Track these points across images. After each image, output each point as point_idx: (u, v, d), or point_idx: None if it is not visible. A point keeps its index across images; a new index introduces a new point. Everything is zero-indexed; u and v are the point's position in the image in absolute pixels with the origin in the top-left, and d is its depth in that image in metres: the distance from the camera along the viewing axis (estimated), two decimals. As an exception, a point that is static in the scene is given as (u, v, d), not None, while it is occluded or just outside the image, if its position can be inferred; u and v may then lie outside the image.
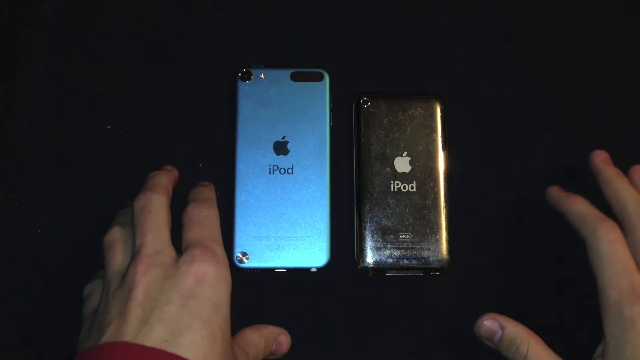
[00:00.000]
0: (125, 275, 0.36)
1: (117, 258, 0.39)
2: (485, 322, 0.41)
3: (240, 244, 0.45)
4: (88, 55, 0.50)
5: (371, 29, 0.51)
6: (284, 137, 0.47)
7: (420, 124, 0.47)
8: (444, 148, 0.47)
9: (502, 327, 0.40)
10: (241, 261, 0.45)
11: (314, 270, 0.45)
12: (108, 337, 0.34)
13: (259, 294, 0.46)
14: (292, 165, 0.46)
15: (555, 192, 0.45)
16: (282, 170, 0.46)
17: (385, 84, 0.50)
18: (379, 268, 0.45)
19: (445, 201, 0.46)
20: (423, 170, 0.46)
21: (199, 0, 0.51)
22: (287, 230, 0.45)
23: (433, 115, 0.47)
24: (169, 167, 0.45)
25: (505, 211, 0.47)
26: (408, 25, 0.51)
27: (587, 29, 0.51)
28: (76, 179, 0.48)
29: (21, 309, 0.45)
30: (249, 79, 0.48)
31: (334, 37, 0.51)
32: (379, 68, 0.50)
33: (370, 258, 0.45)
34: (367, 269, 0.45)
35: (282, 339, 0.42)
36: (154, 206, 0.39)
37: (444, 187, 0.46)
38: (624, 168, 0.49)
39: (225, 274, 0.37)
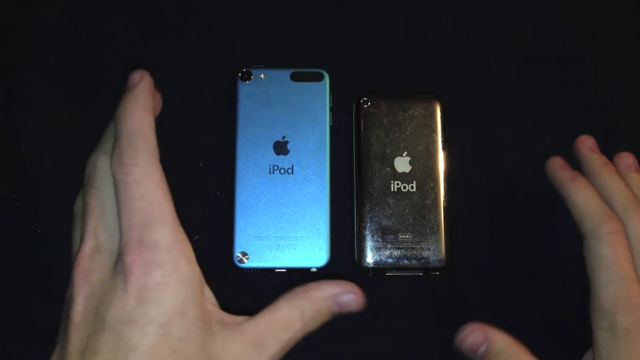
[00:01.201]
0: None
1: (75, 240, 0.33)
2: (469, 334, 0.36)
3: (240, 244, 0.45)
4: (88, 55, 0.50)
5: (371, 29, 0.51)
6: (284, 137, 0.47)
7: (420, 124, 0.47)
8: (444, 148, 0.47)
9: (489, 340, 0.36)
10: (241, 261, 0.45)
11: (314, 270, 0.45)
12: None
13: (259, 294, 0.45)
14: (292, 165, 0.46)
15: (558, 168, 0.41)
16: (282, 170, 0.46)
17: (385, 84, 0.50)
18: (379, 268, 0.45)
19: (445, 201, 0.46)
20: (423, 170, 0.47)
21: (199, 1, 0.51)
22: (287, 230, 0.45)
23: (433, 115, 0.47)
24: (136, 77, 0.34)
25: (505, 211, 0.47)
26: (408, 25, 0.51)
27: (587, 29, 0.51)
28: (76, 179, 0.48)
29: (21, 309, 0.45)
30: (249, 79, 0.48)
31: (334, 37, 0.51)
32: (379, 68, 0.50)
33: (370, 258, 0.45)
34: (367, 269, 0.45)
35: (348, 299, 0.33)
36: (97, 178, 0.32)
37: (444, 187, 0.46)
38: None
39: (177, 273, 0.29)
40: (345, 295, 0.33)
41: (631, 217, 0.38)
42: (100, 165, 0.32)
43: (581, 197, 0.39)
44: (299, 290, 0.33)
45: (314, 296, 0.33)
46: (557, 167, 0.41)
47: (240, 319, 0.32)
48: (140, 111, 0.32)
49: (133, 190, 0.30)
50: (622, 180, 0.40)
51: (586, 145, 0.42)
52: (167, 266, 0.29)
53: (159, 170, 0.31)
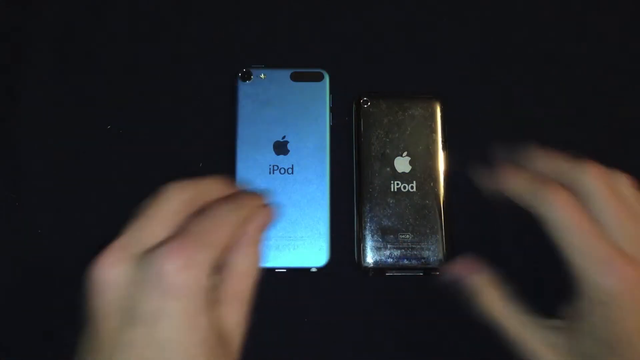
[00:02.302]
0: None
1: None
2: (453, 268, 0.41)
3: (240, 244, 0.45)
4: (88, 55, 0.50)
5: (371, 29, 0.51)
6: (284, 137, 0.47)
7: (420, 124, 0.47)
8: (444, 148, 0.47)
9: (469, 276, 0.40)
10: (241, 261, 0.45)
11: (314, 270, 0.45)
12: None
13: (259, 294, 0.45)
14: (292, 165, 0.46)
15: (484, 179, 0.41)
16: (282, 170, 0.46)
17: (385, 84, 0.50)
18: (379, 268, 0.45)
19: (445, 201, 0.46)
20: (423, 170, 0.47)
21: (199, 1, 0.51)
22: (287, 230, 0.45)
23: (433, 115, 0.47)
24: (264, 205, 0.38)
25: (504, 211, 0.47)
26: (408, 25, 0.51)
27: (587, 29, 0.51)
28: (76, 179, 0.48)
29: (21, 309, 0.45)
30: (249, 79, 0.48)
31: (334, 37, 0.51)
32: (379, 68, 0.50)
33: (370, 258, 0.45)
34: (367, 269, 0.45)
35: (264, 221, 0.37)
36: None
37: (444, 187, 0.46)
38: (625, 167, 0.49)
39: (205, 272, 0.32)
40: (260, 218, 0.37)
41: (580, 173, 0.36)
42: (171, 189, 0.35)
43: (514, 182, 0.39)
44: (240, 240, 0.35)
45: (251, 233, 0.36)
46: (484, 180, 0.42)
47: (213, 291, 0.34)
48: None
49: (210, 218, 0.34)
50: (533, 177, 0.39)
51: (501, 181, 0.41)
52: (201, 266, 0.31)
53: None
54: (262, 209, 0.37)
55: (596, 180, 0.36)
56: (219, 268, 0.35)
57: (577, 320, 0.35)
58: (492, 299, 0.39)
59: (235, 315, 0.34)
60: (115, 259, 0.32)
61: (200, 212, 0.34)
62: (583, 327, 0.35)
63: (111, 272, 0.32)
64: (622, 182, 0.38)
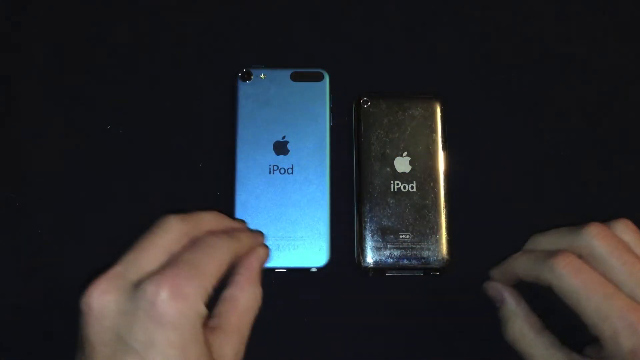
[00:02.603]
0: None
1: None
2: (491, 287, 0.42)
3: (240, 244, 0.45)
4: (88, 55, 0.50)
5: (371, 29, 0.51)
6: (284, 137, 0.47)
7: (420, 124, 0.47)
8: (444, 148, 0.47)
9: (502, 301, 0.41)
10: (241, 261, 0.45)
11: (314, 270, 0.45)
12: None
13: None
14: (292, 165, 0.46)
15: (493, 277, 0.43)
16: (282, 170, 0.46)
17: (385, 84, 0.50)
18: (379, 268, 0.45)
19: (445, 201, 0.46)
20: (423, 170, 0.46)
21: (199, 1, 0.51)
22: (287, 230, 0.45)
23: (433, 115, 0.47)
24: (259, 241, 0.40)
25: (504, 211, 0.47)
26: (408, 25, 0.51)
27: (587, 29, 0.51)
28: (76, 179, 0.48)
29: (21, 309, 0.45)
30: (249, 79, 0.48)
31: (334, 37, 0.51)
32: (379, 68, 0.50)
33: (370, 258, 0.45)
34: (367, 269, 0.45)
35: (263, 255, 0.39)
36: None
37: (444, 187, 0.46)
38: (624, 167, 0.49)
39: (196, 305, 0.32)
40: (261, 252, 0.39)
41: (583, 239, 0.37)
42: (168, 221, 0.35)
43: (520, 260, 0.40)
44: (238, 275, 0.37)
45: (252, 265, 0.38)
46: (492, 281, 0.43)
47: (212, 321, 0.35)
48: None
49: (220, 244, 0.35)
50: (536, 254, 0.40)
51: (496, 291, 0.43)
52: (194, 296, 0.32)
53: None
54: (260, 246, 0.39)
55: (600, 240, 0.36)
56: (219, 300, 0.36)
57: None
58: (522, 329, 0.39)
59: (233, 347, 0.35)
60: (108, 287, 0.32)
61: (195, 242, 0.35)
62: None
63: (104, 299, 0.32)
64: (623, 230, 0.38)
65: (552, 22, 0.51)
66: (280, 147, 0.47)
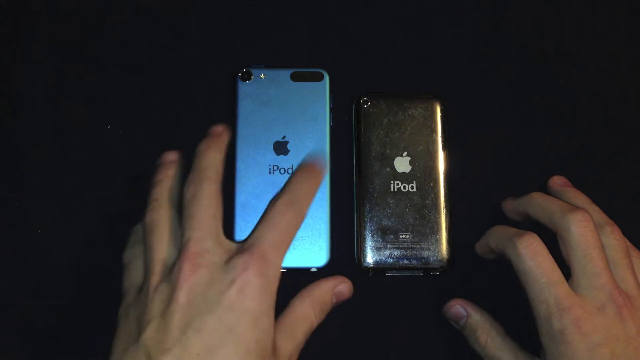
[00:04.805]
0: (172, 270, 0.35)
1: (159, 244, 0.37)
2: (452, 306, 0.44)
3: (240, 244, 0.45)
4: (88, 55, 0.50)
5: (371, 29, 0.51)
6: (284, 137, 0.47)
7: (420, 124, 0.47)
8: (444, 148, 0.47)
9: (467, 315, 0.43)
10: (241, 261, 0.45)
11: (314, 270, 0.45)
12: (147, 338, 0.34)
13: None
14: (292, 165, 0.46)
15: (477, 251, 0.45)
16: (282, 170, 0.46)
17: (385, 84, 0.50)
18: (379, 268, 0.45)
19: (445, 201, 0.46)
20: (423, 170, 0.47)
21: (200, 1, 0.51)
22: (287, 230, 0.45)
23: (433, 115, 0.47)
24: (218, 130, 0.41)
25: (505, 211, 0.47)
26: (408, 25, 0.51)
27: (586, 28, 0.51)
28: (76, 179, 0.48)
29: (21, 309, 0.45)
30: (249, 79, 0.48)
31: (334, 37, 0.51)
32: (379, 68, 0.50)
33: (370, 258, 0.45)
34: (367, 269, 0.45)
35: (342, 289, 0.40)
36: (204, 196, 0.37)
37: (444, 187, 0.46)
38: (624, 167, 0.49)
39: (273, 285, 0.36)
40: (339, 286, 0.40)
41: (567, 221, 0.40)
42: (207, 187, 0.38)
43: (494, 234, 0.43)
44: (305, 291, 0.40)
45: (318, 292, 0.40)
46: (477, 249, 0.46)
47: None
48: (214, 152, 0.39)
49: (288, 216, 0.38)
50: (554, 199, 0.43)
51: (507, 207, 0.46)
52: (269, 278, 0.36)
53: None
54: (344, 282, 0.41)
55: (579, 229, 0.39)
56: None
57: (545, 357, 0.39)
58: (490, 333, 0.42)
59: (288, 346, 0.37)
60: (201, 262, 0.35)
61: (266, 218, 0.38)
62: None
63: (200, 271, 0.35)
64: (607, 234, 0.41)
65: (552, 22, 0.51)
66: (280, 147, 0.47)
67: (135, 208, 0.46)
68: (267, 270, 0.35)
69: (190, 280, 0.35)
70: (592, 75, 0.50)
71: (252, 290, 0.35)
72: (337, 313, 0.45)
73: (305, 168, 0.40)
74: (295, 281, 0.46)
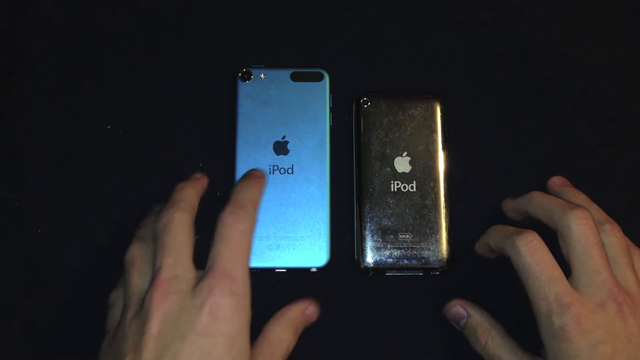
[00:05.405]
0: (143, 300, 0.36)
1: (135, 278, 0.37)
2: (453, 307, 0.44)
3: (240, 244, 0.45)
4: (88, 55, 0.50)
5: (371, 29, 0.51)
6: (284, 137, 0.47)
7: (420, 124, 0.47)
8: (444, 148, 0.47)
9: (468, 315, 0.43)
10: (241, 261, 0.45)
11: (314, 270, 0.45)
12: None
13: (259, 294, 0.45)
14: (292, 165, 0.46)
15: (477, 250, 0.46)
16: (282, 170, 0.46)
17: (385, 84, 0.50)
18: (379, 268, 0.45)
19: (445, 201, 0.46)
20: (423, 170, 0.47)
21: (199, 1, 0.51)
22: (287, 230, 0.45)
23: (433, 115, 0.47)
24: (198, 176, 0.43)
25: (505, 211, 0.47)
26: (408, 25, 0.51)
27: (586, 28, 0.51)
28: (76, 179, 0.48)
29: (21, 309, 0.45)
30: (249, 79, 0.48)
31: (334, 37, 0.51)
32: (379, 68, 0.50)
33: (370, 258, 0.45)
34: (367, 269, 0.45)
35: (310, 312, 0.41)
36: (176, 225, 0.37)
37: (444, 187, 0.46)
38: (624, 167, 0.49)
39: (244, 303, 0.36)
40: (308, 308, 0.41)
41: (570, 219, 0.40)
42: (179, 217, 0.38)
43: (493, 233, 0.43)
44: (278, 315, 0.40)
45: (290, 315, 0.40)
46: (477, 249, 0.46)
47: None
48: (190, 189, 0.41)
49: (239, 227, 0.37)
50: (553, 197, 0.43)
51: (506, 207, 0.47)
52: (239, 296, 0.35)
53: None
54: (311, 304, 0.42)
55: (579, 227, 0.39)
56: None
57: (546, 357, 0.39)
58: (491, 333, 0.42)
59: None
60: (169, 289, 0.35)
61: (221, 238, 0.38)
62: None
63: (169, 299, 0.35)
64: (607, 232, 0.40)
65: (552, 22, 0.51)
66: (280, 147, 0.47)
67: (135, 208, 0.46)
68: (234, 288, 0.35)
69: (161, 309, 0.34)
70: (592, 75, 0.50)
71: (223, 312, 0.34)
72: (337, 313, 0.45)
73: (245, 175, 0.42)
74: (295, 281, 0.46)
